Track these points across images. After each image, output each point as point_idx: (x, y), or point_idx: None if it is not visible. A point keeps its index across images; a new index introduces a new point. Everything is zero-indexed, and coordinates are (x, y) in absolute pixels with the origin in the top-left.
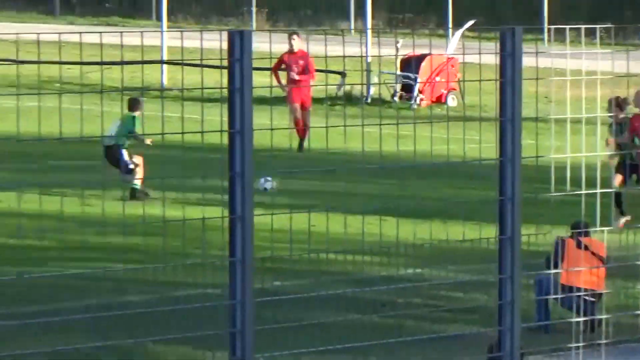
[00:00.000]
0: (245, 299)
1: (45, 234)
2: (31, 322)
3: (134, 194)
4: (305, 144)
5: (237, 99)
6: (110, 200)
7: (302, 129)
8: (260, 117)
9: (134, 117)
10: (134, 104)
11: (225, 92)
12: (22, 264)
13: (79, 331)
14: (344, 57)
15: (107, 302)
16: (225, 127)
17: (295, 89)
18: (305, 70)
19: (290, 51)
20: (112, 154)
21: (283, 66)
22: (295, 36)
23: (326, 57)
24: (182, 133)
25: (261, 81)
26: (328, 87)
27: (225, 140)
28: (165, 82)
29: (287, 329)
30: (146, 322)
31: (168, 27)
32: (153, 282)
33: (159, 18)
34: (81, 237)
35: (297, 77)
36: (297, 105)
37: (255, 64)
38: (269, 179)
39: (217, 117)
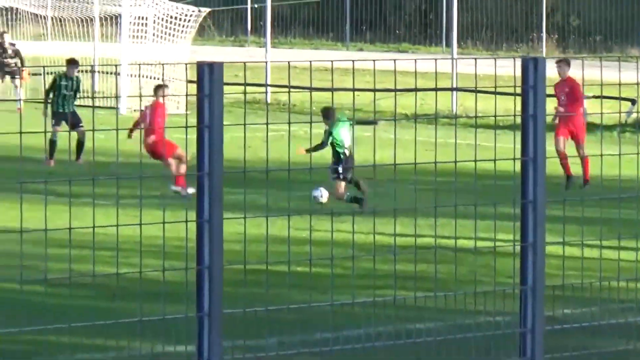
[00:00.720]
0: (535, 326)
1: (335, 262)
2: (317, 350)
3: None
4: (590, 172)
5: (531, 126)
6: (399, 225)
7: (566, 164)
8: (551, 144)
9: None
10: (332, 114)
11: (517, 119)
12: (310, 291)
13: (364, 359)
14: (638, 84)
15: (395, 329)
16: (517, 154)
17: (562, 121)
18: (571, 98)
19: (561, 80)
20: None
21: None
22: (561, 64)
23: (620, 84)
24: (475, 161)
25: (552, 108)
26: (619, 114)
27: (517, 167)
28: (455, 108)
29: (576, 358)
30: (435, 350)
31: (458, 54)
32: (443, 310)
33: (448, 45)
34: (370, 264)
35: (561, 109)
36: (561, 139)
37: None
38: (319, 190)
39: (507, 144)
